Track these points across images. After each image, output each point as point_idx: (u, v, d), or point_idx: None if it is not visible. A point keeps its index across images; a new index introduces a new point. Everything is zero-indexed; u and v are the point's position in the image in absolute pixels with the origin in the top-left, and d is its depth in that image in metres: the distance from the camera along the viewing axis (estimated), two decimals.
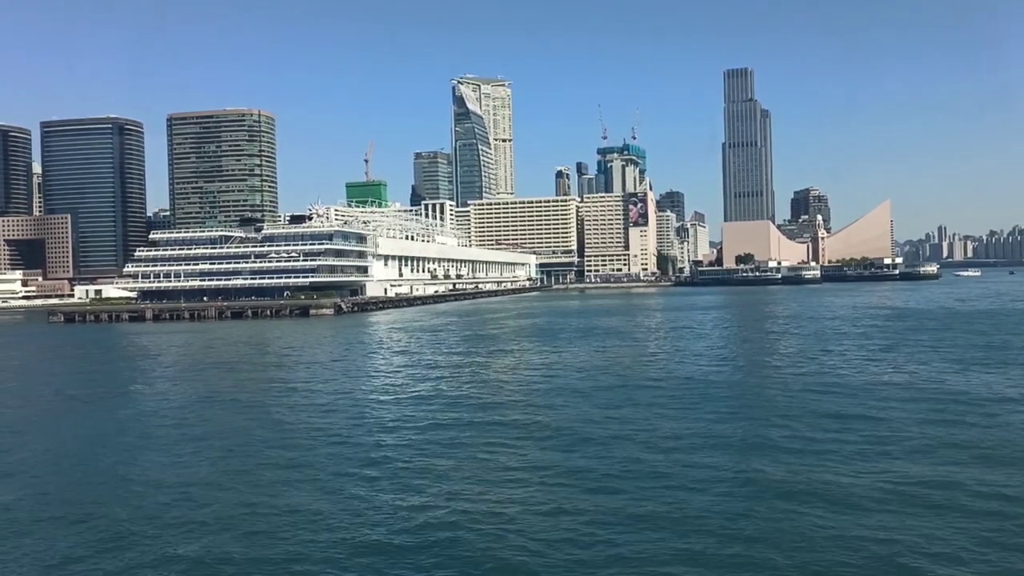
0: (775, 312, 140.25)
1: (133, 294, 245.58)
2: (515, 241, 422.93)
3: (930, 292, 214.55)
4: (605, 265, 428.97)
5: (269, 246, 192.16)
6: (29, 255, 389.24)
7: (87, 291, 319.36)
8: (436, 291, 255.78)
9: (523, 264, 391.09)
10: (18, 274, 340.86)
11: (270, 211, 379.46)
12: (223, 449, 36.28)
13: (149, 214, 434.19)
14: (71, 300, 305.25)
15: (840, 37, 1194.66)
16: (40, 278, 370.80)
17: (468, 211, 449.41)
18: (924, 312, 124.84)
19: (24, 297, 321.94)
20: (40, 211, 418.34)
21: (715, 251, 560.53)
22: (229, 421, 43.79)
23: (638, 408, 43.28)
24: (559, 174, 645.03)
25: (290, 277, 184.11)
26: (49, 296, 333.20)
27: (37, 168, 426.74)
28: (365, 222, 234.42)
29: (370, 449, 35.32)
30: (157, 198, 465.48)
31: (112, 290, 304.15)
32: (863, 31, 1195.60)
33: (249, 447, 36.53)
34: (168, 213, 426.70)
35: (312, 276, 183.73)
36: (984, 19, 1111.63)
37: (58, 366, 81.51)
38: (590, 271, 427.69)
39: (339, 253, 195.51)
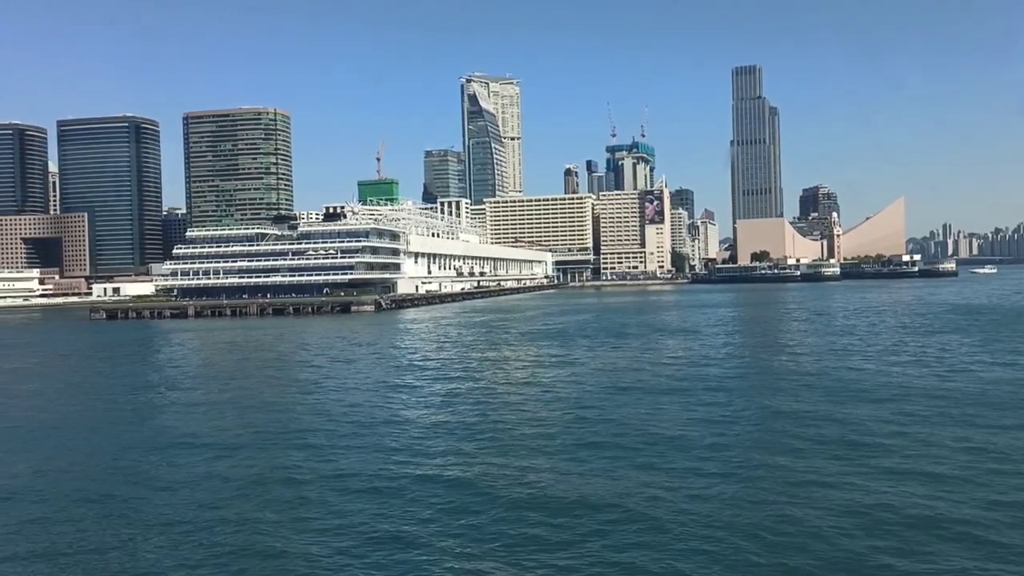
0: (828, 309, 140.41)
1: (152, 291, 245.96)
2: (531, 239, 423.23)
3: (967, 288, 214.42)
4: (621, 263, 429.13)
5: (306, 243, 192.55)
6: (46, 254, 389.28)
7: (105, 289, 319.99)
8: (463, 288, 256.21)
9: (540, 262, 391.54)
10: (35, 272, 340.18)
11: (286, 209, 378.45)
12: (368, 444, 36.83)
13: (163, 212, 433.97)
14: (90, 298, 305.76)
15: (847, 35, 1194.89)
16: (57, 276, 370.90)
17: (484, 209, 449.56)
18: (998, 308, 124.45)
19: (41, 295, 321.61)
20: (56, 210, 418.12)
21: (725, 248, 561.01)
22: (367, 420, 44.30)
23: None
24: (568, 172, 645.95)
25: (328, 274, 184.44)
26: (67, 294, 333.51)
27: (53, 167, 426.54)
28: (395, 220, 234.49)
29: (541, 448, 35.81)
30: (172, 197, 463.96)
31: (131, 288, 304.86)
32: (870, 29, 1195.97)
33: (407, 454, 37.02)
34: (181, 212, 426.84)
35: (350, 273, 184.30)
36: (993, 18, 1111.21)
37: (131, 362, 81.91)
38: (606, 268, 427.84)
39: (374, 251, 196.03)
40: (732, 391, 48.44)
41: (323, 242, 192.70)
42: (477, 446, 34.90)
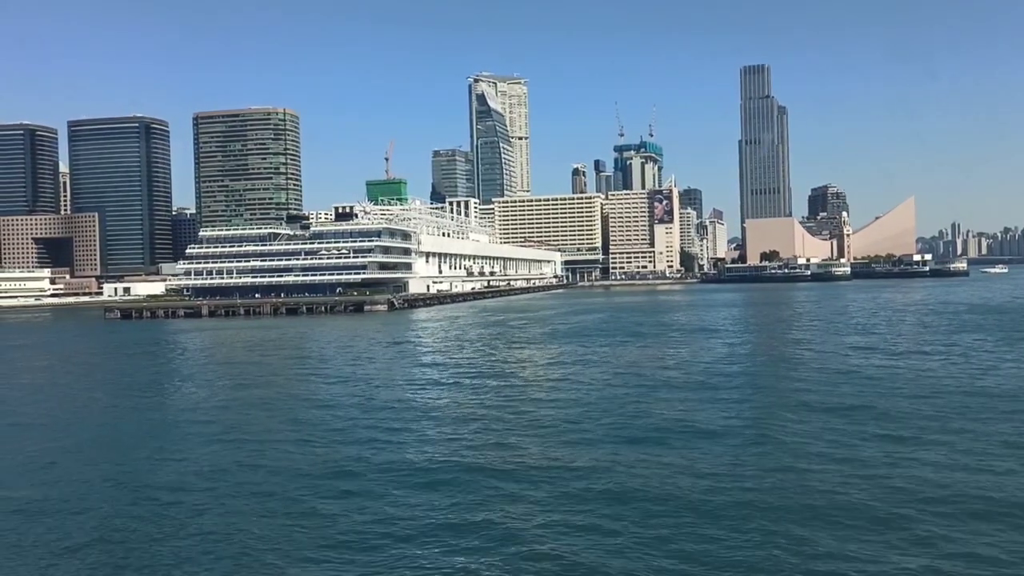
0: (846, 308, 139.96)
1: (162, 290, 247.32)
2: (540, 239, 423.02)
3: (982, 288, 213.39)
4: (630, 262, 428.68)
5: (319, 243, 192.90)
6: (57, 253, 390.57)
7: (116, 289, 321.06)
8: (473, 288, 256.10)
9: (549, 261, 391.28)
10: (46, 272, 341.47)
11: (295, 209, 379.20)
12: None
13: (173, 212, 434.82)
14: (100, 298, 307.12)
15: (855, 33, 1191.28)
16: (68, 276, 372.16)
17: (492, 208, 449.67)
18: (1020, 308, 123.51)
19: (52, 295, 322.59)
20: (67, 210, 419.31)
21: (734, 248, 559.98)
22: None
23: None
24: (575, 172, 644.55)
25: (341, 274, 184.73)
26: (77, 294, 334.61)
27: (64, 167, 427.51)
28: (406, 219, 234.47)
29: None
30: (181, 197, 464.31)
31: (141, 287, 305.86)
32: (879, 28, 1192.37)
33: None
34: (191, 211, 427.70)
35: (363, 273, 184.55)
36: (993, 17, 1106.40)
37: (171, 362, 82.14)
38: (615, 268, 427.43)
39: (387, 250, 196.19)
40: (766, 388, 48.47)
41: (335, 242, 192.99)
42: (524, 439, 34.99)
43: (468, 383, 54.28)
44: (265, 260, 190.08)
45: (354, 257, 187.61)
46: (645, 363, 62.72)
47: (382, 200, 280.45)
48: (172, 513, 26.07)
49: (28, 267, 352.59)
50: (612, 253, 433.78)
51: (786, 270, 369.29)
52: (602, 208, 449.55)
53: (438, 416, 41.90)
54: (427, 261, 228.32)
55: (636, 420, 38.63)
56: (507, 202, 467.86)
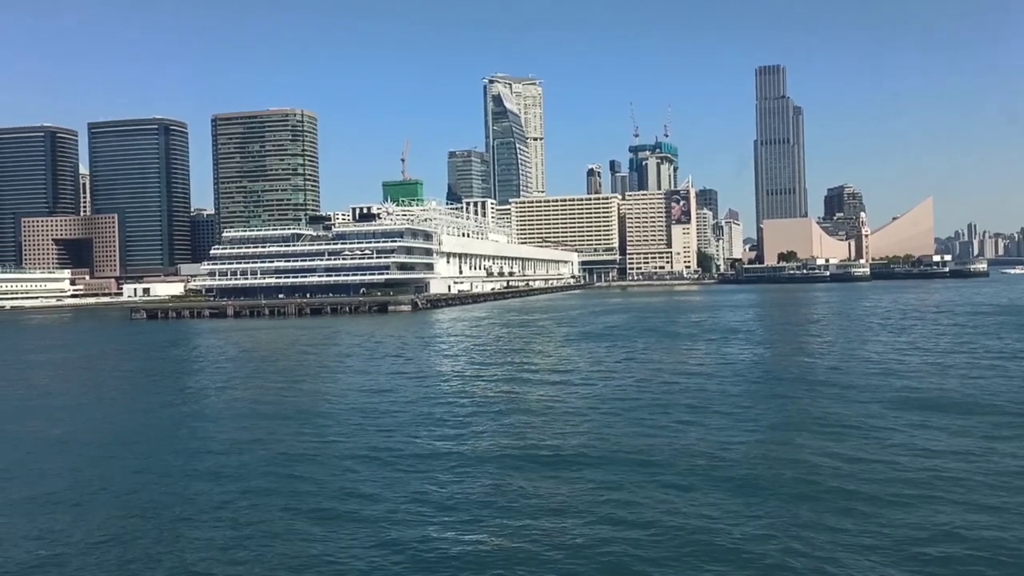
0: (873, 309, 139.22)
1: (181, 291, 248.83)
2: (557, 239, 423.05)
3: (1007, 289, 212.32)
4: (647, 263, 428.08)
5: (342, 244, 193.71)
6: (77, 254, 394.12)
7: (135, 289, 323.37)
8: (492, 288, 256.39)
9: (567, 262, 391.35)
10: (67, 273, 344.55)
11: (312, 210, 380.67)
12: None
13: (191, 213, 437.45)
14: (120, 299, 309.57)
15: (872, 33, 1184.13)
16: (88, 277, 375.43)
17: (509, 209, 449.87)
18: None
19: (72, 295, 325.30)
20: (87, 211, 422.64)
21: (750, 248, 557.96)
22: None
23: None
24: (591, 172, 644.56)
25: (365, 274, 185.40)
26: (97, 295, 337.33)
27: (84, 169, 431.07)
28: (426, 220, 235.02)
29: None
30: (199, 198, 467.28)
31: (161, 288, 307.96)
32: (894, 27, 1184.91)
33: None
34: (208, 212, 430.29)
35: (386, 273, 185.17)
36: (1008, 14, 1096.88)
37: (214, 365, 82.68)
38: (632, 269, 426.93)
39: (409, 251, 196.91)
40: (824, 383, 48.16)
41: (358, 242, 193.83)
42: (595, 432, 34.90)
43: (519, 379, 54.57)
44: (289, 261, 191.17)
45: (377, 258, 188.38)
46: (690, 362, 62.68)
47: (402, 201, 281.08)
48: (241, 500, 26.71)
49: (49, 268, 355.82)
50: (629, 253, 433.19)
51: (805, 271, 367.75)
52: (619, 208, 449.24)
53: (501, 410, 42.15)
54: (448, 261, 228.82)
55: (700, 415, 38.60)
56: (524, 203, 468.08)
